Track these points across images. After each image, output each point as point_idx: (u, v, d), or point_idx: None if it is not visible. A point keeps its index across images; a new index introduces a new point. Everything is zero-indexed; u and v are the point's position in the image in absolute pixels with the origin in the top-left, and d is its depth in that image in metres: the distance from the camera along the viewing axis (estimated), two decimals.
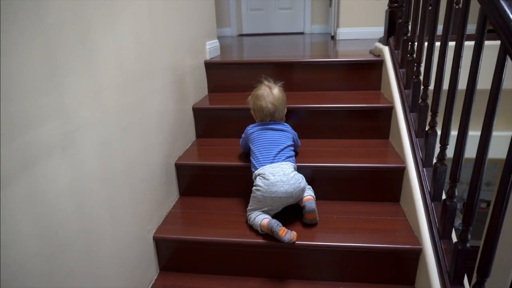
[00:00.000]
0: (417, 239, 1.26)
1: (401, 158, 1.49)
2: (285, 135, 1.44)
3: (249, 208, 1.38)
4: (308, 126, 1.77)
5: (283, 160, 1.36)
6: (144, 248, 1.31)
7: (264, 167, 1.34)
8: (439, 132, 1.22)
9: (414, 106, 1.50)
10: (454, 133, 1.12)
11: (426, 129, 1.33)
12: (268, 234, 1.28)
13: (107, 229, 1.06)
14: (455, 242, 1.05)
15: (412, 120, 1.49)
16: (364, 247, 1.27)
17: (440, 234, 1.17)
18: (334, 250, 1.30)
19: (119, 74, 1.11)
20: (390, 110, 1.67)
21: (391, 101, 1.68)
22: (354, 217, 1.42)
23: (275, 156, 1.36)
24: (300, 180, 1.33)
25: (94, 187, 0.99)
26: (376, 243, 1.27)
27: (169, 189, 1.53)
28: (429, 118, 1.34)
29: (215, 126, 1.84)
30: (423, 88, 1.40)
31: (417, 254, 1.24)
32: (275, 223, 1.26)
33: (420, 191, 1.31)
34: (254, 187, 1.34)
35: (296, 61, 2.00)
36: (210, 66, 2.01)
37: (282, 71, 1.99)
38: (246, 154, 1.57)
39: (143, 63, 1.28)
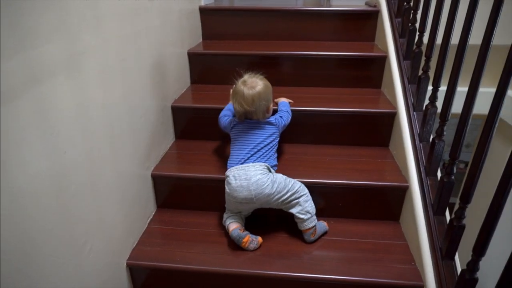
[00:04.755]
0: (404, 178, 1.34)
1: (393, 105, 1.54)
2: (263, 132, 1.30)
3: (225, 205, 1.32)
4: (300, 74, 1.79)
5: (254, 161, 1.24)
6: (142, 184, 1.34)
7: (231, 169, 1.25)
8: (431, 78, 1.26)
9: (408, 54, 1.53)
10: (442, 88, 1.18)
11: (419, 74, 1.37)
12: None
13: (108, 159, 1.08)
14: (441, 176, 1.12)
15: (405, 67, 1.53)
16: (354, 184, 1.34)
17: (426, 171, 1.24)
18: (325, 187, 1.36)
19: (118, 4, 1.09)
20: (384, 59, 1.69)
21: (385, 50, 1.71)
22: (345, 159, 1.49)
23: (245, 155, 1.25)
24: (264, 185, 1.19)
25: (97, 114, 1.00)
26: (366, 181, 1.34)
27: (165, 130, 1.55)
28: (422, 64, 1.38)
29: (210, 72, 1.83)
30: (418, 34, 1.42)
31: (403, 191, 1.32)
32: (238, 236, 1.22)
33: (410, 133, 1.37)
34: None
35: (290, 9, 1.98)
36: (204, 12, 1.97)
37: (276, 19, 1.98)
38: None
39: None
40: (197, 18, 1.95)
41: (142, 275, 1.26)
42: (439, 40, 1.23)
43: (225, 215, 1.32)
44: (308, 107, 1.56)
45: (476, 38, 1.02)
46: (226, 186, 1.25)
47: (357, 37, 1.95)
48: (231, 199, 1.25)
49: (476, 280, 0.93)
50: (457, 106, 1.13)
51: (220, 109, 1.55)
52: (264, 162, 1.26)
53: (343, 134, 1.59)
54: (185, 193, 1.45)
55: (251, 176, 1.20)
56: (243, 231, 1.25)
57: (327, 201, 1.39)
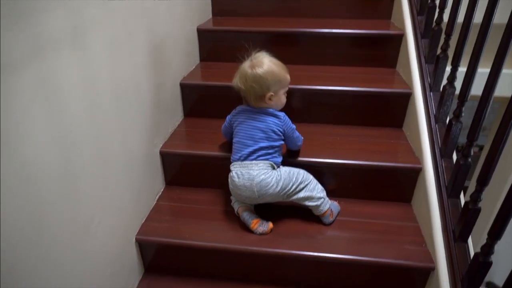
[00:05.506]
0: (418, 159, 1.31)
1: (408, 85, 1.49)
2: (267, 125, 1.20)
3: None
4: (313, 52, 1.74)
5: (257, 158, 1.18)
6: (151, 161, 1.33)
7: (235, 163, 1.21)
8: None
9: (426, 32, 1.47)
10: (462, 69, 1.13)
11: (438, 53, 1.31)
12: None
13: (116, 134, 1.07)
14: (457, 158, 1.09)
15: (423, 46, 1.47)
16: (365, 165, 1.31)
17: (442, 153, 1.20)
18: (336, 167, 1.34)
19: None
20: (400, 37, 1.63)
21: (402, 28, 1.64)
22: (357, 139, 1.46)
23: (249, 153, 1.19)
24: (268, 185, 1.15)
25: (104, 88, 0.98)
26: (378, 162, 1.31)
27: (174, 107, 1.53)
28: (441, 43, 1.33)
29: (219, 49, 1.79)
30: (438, 11, 1.36)
31: (416, 172, 1.29)
32: (247, 216, 1.22)
33: (425, 114, 1.33)
34: None
35: None
36: None
37: None
38: None
39: None
40: None
41: (151, 251, 1.27)
42: (460, 18, 1.18)
43: (232, 198, 1.31)
44: (320, 85, 1.51)
45: (499, 17, 0.97)
46: (229, 180, 1.23)
47: (373, 14, 1.88)
48: (235, 195, 1.25)
49: (490, 264, 0.91)
50: (475, 87, 1.09)
51: (229, 87, 1.53)
52: (268, 160, 1.20)
53: (356, 114, 1.55)
54: (193, 170, 1.44)
55: (254, 176, 1.16)
56: (253, 213, 1.24)
57: (338, 181, 1.36)
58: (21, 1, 0.68)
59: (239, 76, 1.20)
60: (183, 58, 1.61)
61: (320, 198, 1.22)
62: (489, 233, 0.89)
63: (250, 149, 1.19)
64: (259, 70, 1.17)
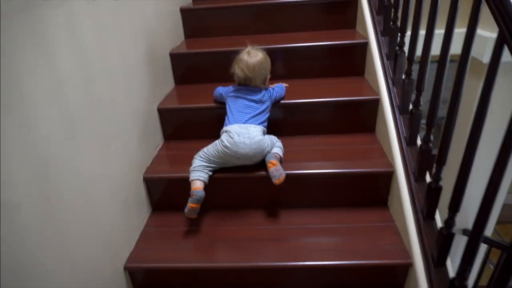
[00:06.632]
0: (376, 93, 1.54)
1: (365, 37, 1.73)
2: (260, 97, 1.45)
3: (204, 151, 1.40)
4: (285, 21, 1.98)
5: (254, 123, 1.39)
6: (151, 116, 1.55)
7: (232, 125, 1.37)
8: None
9: (380, 8, 1.69)
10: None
11: (385, 2, 1.56)
12: None
13: (121, 83, 1.28)
14: (403, 79, 1.33)
15: (373, 2, 1.72)
16: (334, 100, 1.56)
17: (393, 81, 1.45)
18: (312, 106, 1.60)
19: None
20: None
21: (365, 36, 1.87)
22: (326, 86, 1.70)
23: (248, 118, 1.40)
24: (264, 145, 1.34)
25: (110, 41, 1.20)
26: (344, 97, 1.56)
27: (166, 73, 1.75)
28: None
29: (201, 26, 2.02)
30: None
31: (376, 103, 1.53)
32: (202, 196, 1.29)
33: (379, 55, 1.58)
34: (219, 140, 1.37)
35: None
36: None
37: None
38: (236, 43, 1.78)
39: None
40: None
41: (157, 188, 1.47)
42: None
43: (196, 161, 1.38)
44: (294, 43, 1.76)
45: None
46: (224, 139, 1.34)
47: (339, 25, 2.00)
48: (227, 152, 1.33)
49: (430, 150, 1.14)
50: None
51: (214, 52, 1.77)
52: (262, 126, 1.41)
53: (324, 67, 1.79)
54: (187, 124, 1.66)
55: (254, 135, 1.33)
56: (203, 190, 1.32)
57: (313, 119, 1.60)
58: None
59: (246, 67, 1.42)
60: (170, 33, 1.83)
61: (281, 147, 1.44)
62: (427, 124, 1.12)
63: (250, 115, 1.41)
64: (261, 58, 1.44)
